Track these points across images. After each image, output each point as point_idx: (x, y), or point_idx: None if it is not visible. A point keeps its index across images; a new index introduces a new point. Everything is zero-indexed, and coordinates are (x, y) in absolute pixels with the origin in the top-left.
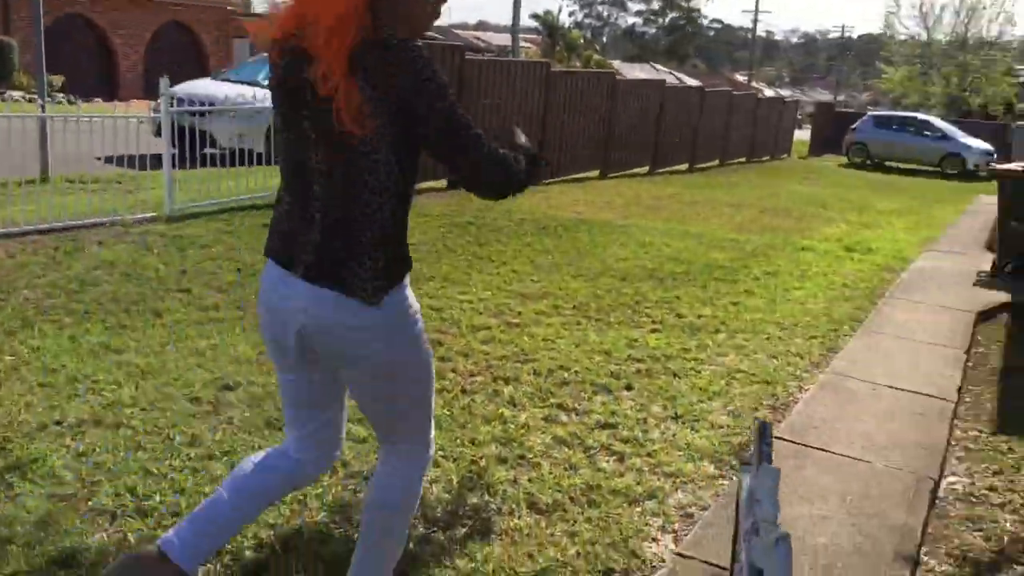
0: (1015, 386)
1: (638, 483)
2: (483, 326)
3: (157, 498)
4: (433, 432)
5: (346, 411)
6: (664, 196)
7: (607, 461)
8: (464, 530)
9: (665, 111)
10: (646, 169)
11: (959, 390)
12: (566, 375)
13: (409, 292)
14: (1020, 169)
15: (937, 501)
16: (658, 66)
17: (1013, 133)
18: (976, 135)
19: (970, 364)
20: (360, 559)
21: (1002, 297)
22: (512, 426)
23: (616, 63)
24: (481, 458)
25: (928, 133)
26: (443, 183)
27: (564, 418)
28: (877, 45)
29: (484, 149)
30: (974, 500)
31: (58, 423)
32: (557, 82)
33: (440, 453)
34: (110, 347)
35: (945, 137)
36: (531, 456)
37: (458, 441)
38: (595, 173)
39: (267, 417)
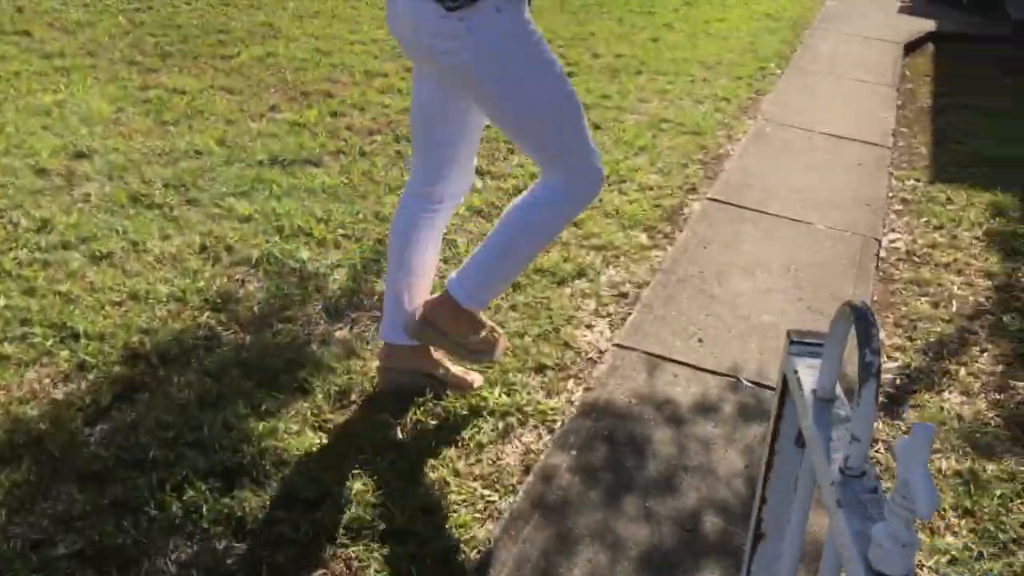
0: (947, 126)
1: (565, 259)
2: (379, 72)
3: (1, 301)
4: (565, 173)
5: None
6: None
7: None
8: (364, 327)
9: None
10: None
11: (893, 133)
12: None
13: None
14: None
15: (880, 263)
16: None
17: None
18: None
19: (899, 102)
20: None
21: (927, 25)
22: None
23: None
24: (387, 235)
25: None
26: None
27: (477, 183)
28: None
29: None
30: (917, 260)
31: None
32: None
33: (340, 231)
34: None
35: None
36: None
37: (360, 215)
38: None
39: (131, 191)
